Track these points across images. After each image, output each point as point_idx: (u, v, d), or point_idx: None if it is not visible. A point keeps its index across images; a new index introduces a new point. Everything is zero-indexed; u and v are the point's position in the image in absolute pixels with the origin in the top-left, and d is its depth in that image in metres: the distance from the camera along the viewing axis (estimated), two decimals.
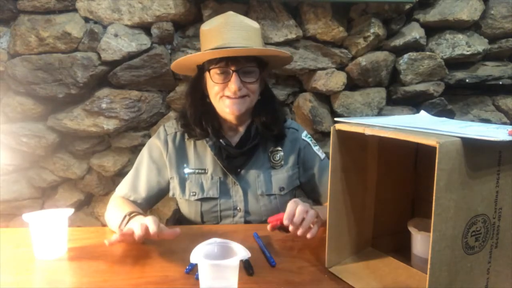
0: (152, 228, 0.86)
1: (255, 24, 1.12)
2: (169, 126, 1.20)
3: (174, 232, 0.90)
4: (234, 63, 1.04)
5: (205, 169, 1.14)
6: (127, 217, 0.97)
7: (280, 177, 1.16)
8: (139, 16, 1.57)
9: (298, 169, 1.19)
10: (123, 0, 1.56)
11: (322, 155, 1.21)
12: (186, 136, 1.17)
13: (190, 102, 1.15)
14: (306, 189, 1.24)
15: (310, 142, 1.22)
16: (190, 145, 1.17)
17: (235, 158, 1.13)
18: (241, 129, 1.17)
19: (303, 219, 0.90)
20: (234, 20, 1.08)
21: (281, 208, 1.13)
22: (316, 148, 1.21)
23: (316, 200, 1.23)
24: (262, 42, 1.19)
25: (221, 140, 1.12)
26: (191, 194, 1.13)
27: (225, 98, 1.07)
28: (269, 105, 1.16)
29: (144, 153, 1.19)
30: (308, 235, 0.90)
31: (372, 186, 0.88)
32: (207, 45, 1.08)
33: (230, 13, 1.10)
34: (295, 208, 0.90)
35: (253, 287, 0.76)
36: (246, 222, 1.14)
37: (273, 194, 1.14)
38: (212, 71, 1.06)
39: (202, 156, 1.16)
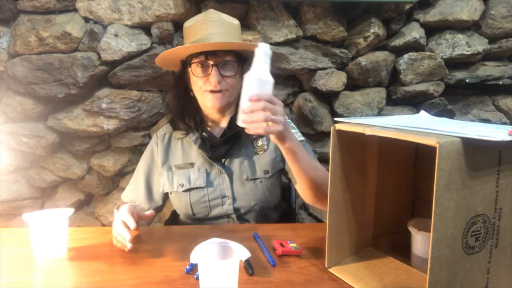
0: (131, 225, 0.91)
1: (234, 21, 1.17)
2: (161, 130, 1.27)
3: (151, 214, 1.00)
4: (213, 57, 1.09)
5: (192, 164, 1.19)
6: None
7: (263, 161, 1.19)
8: (139, 16, 1.57)
9: (279, 151, 1.20)
10: (123, 0, 1.56)
11: (300, 138, 1.22)
12: (174, 136, 1.24)
13: (173, 96, 1.22)
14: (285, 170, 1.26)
15: (288, 125, 1.22)
16: (177, 144, 1.23)
17: (219, 147, 1.17)
18: (224, 122, 1.20)
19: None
20: (213, 17, 1.13)
21: (268, 192, 1.17)
22: (294, 131, 1.22)
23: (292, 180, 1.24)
24: (241, 37, 1.24)
25: (203, 133, 1.17)
26: (179, 185, 1.18)
27: (208, 93, 1.12)
28: None
29: (140, 160, 1.27)
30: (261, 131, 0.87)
31: (372, 186, 0.88)
32: (188, 41, 1.14)
33: (211, 10, 1.16)
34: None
35: (253, 287, 0.76)
36: (235, 209, 1.17)
37: (258, 178, 1.17)
38: (193, 65, 1.12)
39: (189, 152, 1.21)
